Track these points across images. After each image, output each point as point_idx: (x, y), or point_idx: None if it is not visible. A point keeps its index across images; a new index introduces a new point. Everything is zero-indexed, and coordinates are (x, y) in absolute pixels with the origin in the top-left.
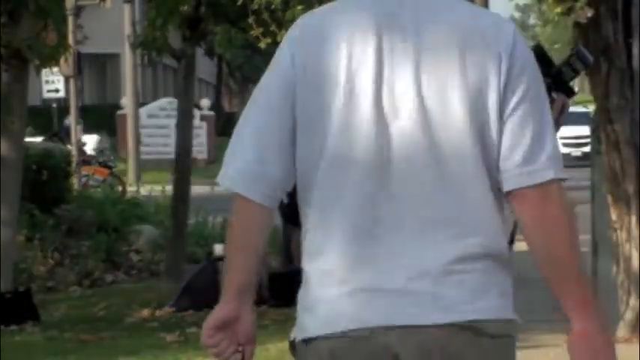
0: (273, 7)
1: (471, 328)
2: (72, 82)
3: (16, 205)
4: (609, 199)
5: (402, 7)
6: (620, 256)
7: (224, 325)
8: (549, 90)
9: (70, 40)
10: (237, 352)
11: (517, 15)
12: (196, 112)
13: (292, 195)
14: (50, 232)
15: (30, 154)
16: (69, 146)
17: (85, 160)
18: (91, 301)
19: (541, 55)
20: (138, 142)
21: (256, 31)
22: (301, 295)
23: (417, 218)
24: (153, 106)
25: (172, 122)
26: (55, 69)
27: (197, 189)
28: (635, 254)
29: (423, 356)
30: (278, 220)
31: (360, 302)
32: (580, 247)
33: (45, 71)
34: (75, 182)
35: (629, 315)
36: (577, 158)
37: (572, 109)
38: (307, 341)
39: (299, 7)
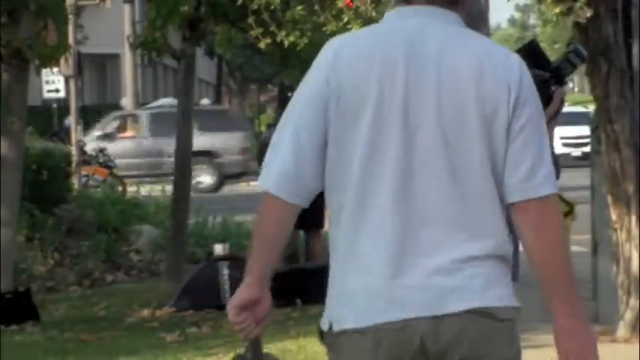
0: (272, 7)
1: (484, 313)
2: (72, 82)
3: (16, 205)
4: (609, 199)
5: (425, 36)
6: (620, 256)
7: (248, 305)
8: (550, 84)
9: (71, 40)
10: (257, 327)
11: (517, 15)
12: None
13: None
14: (50, 232)
15: (30, 154)
16: (68, 146)
17: (85, 160)
18: (91, 301)
19: (536, 50)
20: None
21: (256, 31)
22: (332, 289)
23: (437, 222)
24: (153, 107)
25: None
26: (56, 69)
27: None
28: (635, 254)
29: (448, 341)
30: None
31: (389, 297)
32: (569, 253)
33: (45, 71)
34: (75, 182)
35: (628, 315)
36: (577, 158)
37: (572, 109)
38: (342, 332)
39: (299, 8)
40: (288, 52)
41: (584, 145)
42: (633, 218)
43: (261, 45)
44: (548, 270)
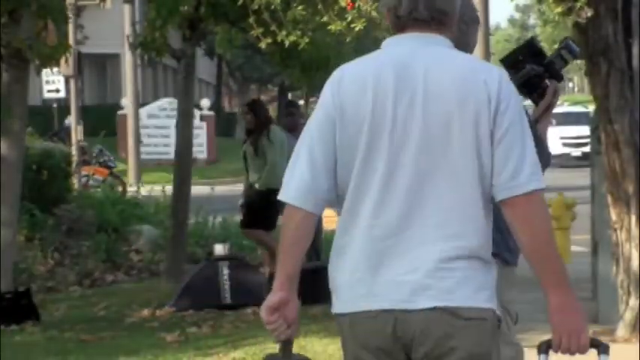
0: (273, 7)
1: (449, 312)
2: (72, 82)
3: (16, 205)
4: (609, 199)
5: (414, 59)
6: (620, 256)
7: (278, 307)
8: (543, 78)
9: (71, 40)
10: (288, 329)
11: (517, 15)
12: (196, 112)
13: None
14: (50, 232)
15: (30, 154)
16: (68, 146)
17: (85, 160)
18: (91, 301)
19: (535, 48)
20: (138, 142)
21: (256, 31)
22: (330, 280)
23: (419, 224)
24: (153, 107)
25: (172, 122)
26: (56, 69)
27: (197, 189)
28: (634, 254)
29: (414, 333)
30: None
31: (369, 290)
32: (555, 240)
33: (45, 71)
34: (75, 182)
35: (628, 315)
36: (577, 158)
37: (572, 109)
38: (336, 316)
39: (300, 8)
40: (288, 52)
41: (584, 145)
42: (633, 218)
43: (262, 45)
44: (537, 256)
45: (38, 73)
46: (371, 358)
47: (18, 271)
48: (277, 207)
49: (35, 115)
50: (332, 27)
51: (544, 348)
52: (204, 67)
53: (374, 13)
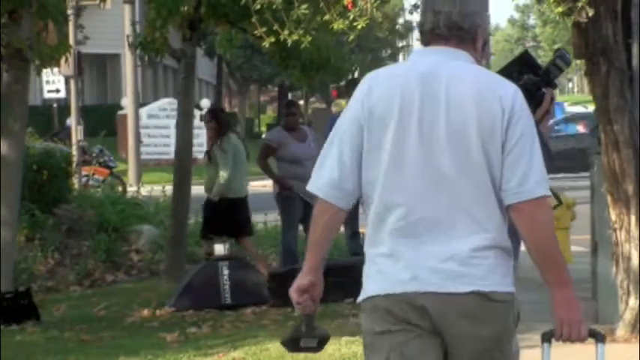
0: (275, 6)
1: (482, 295)
2: (72, 82)
3: (17, 205)
4: (609, 199)
5: (438, 70)
6: (620, 256)
7: (307, 289)
8: (540, 86)
9: (71, 40)
10: (312, 305)
11: (517, 15)
12: (196, 113)
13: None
14: (50, 232)
15: (30, 154)
16: (69, 146)
17: (86, 160)
18: (91, 301)
19: (529, 59)
20: (138, 142)
21: (259, 30)
22: (366, 269)
23: (449, 218)
24: (153, 107)
25: (172, 122)
26: (56, 69)
27: (197, 189)
28: (634, 254)
29: (448, 315)
30: (272, 222)
31: (408, 274)
32: (557, 240)
33: (45, 71)
34: (75, 182)
35: (628, 315)
36: None
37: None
38: (368, 299)
39: (302, 7)
40: (288, 52)
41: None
42: (633, 218)
43: (265, 44)
44: (542, 256)
45: (38, 73)
46: (400, 329)
47: (18, 271)
48: (235, 215)
49: (35, 115)
50: (334, 26)
51: (547, 337)
52: (204, 67)
53: (375, 12)
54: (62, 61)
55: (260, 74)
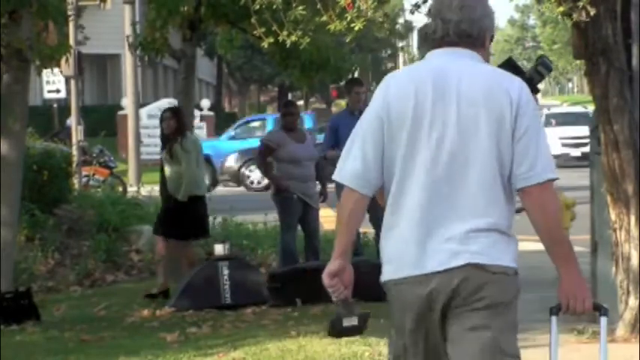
0: (274, 7)
1: (479, 267)
2: (72, 82)
3: (17, 205)
4: (608, 199)
5: (449, 69)
6: (620, 256)
7: (337, 273)
8: None
9: (71, 40)
10: (345, 290)
11: (517, 16)
12: (196, 113)
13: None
14: (51, 232)
15: (30, 154)
16: (69, 146)
17: (86, 160)
18: (91, 301)
19: (513, 65)
20: (138, 142)
21: (259, 31)
22: (382, 249)
23: (452, 203)
24: (153, 107)
25: None
26: (56, 69)
27: None
28: (634, 254)
29: (448, 288)
30: (270, 219)
31: (416, 257)
32: (562, 223)
33: (46, 72)
34: (75, 182)
35: (628, 315)
36: (576, 158)
37: (571, 109)
38: (387, 282)
39: (300, 8)
40: (288, 52)
41: (584, 145)
42: (632, 218)
43: (264, 45)
44: (549, 236)
45: (39, 73)
46: (411, 322)
47: (18, 271)
48: (199, 213)
49: (36, 115)
50: (331, 27)
51: (555, 310)
52: (205, 68)
53: (373, 14)
54: (62, 61)
55: (260, 74)
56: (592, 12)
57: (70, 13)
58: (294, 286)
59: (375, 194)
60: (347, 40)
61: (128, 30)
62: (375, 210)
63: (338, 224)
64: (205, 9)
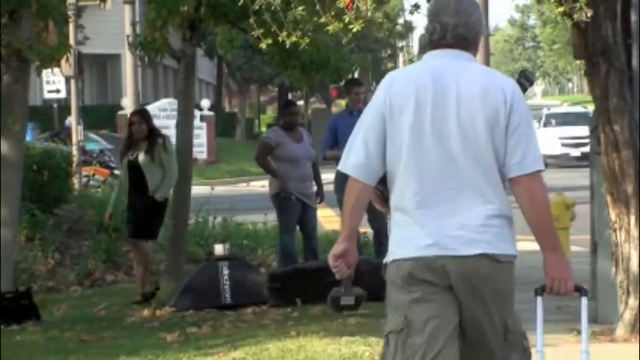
0: (273, 7)
1: (491, 257)
2: (73, 82)
3: (17, 205)
4: (608, 199)
5: (447, 68)
6: (620, 257)
7: (341, 255)
8: None
9: (71, 40)
10: (348, 270)
11: (517, 16)
12: (196, 113)
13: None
14: (51, 232)
15: (30, 154)
16: (69, 146)
17: (86, 160)
18: (91, 301)
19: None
20: None
21: (257, 32)
22: (393, 234)
23: (460, 194)
24: (153, 107)
25: (173, 123)
26: (56, 69)
27: (197, 189)
28: (634, 254)
29: (463, 274)
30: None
31: (429, 240)
32: (551, 211)
33: (46, 72)
34: (75, 182)
35: (627, 315)
36: (576, 158)
37: (571, 109)
38: (394, 262)
39: (299, 8)
40: (288, 52)
41: (584, 145)
42: (632, 218)
43: (263, 45)
44: (537, 222)
45: (39, 73)
46: (422, 288)
47: (18, 271)
48: (162, 216)
49: (36, 115)
50: (329, 28)
51: (539, 291)
52: (205, 68)
53: (372, 14)
54: (62, 61)
55: (260, 74)
56: (589, 13)
57: (70, 13)
58: (294, 286)
59: (372, 199)
60: (345, 42)
61: (128, 30)
62: (374, 211)
63: (343, 212)
64: (205, 9)
